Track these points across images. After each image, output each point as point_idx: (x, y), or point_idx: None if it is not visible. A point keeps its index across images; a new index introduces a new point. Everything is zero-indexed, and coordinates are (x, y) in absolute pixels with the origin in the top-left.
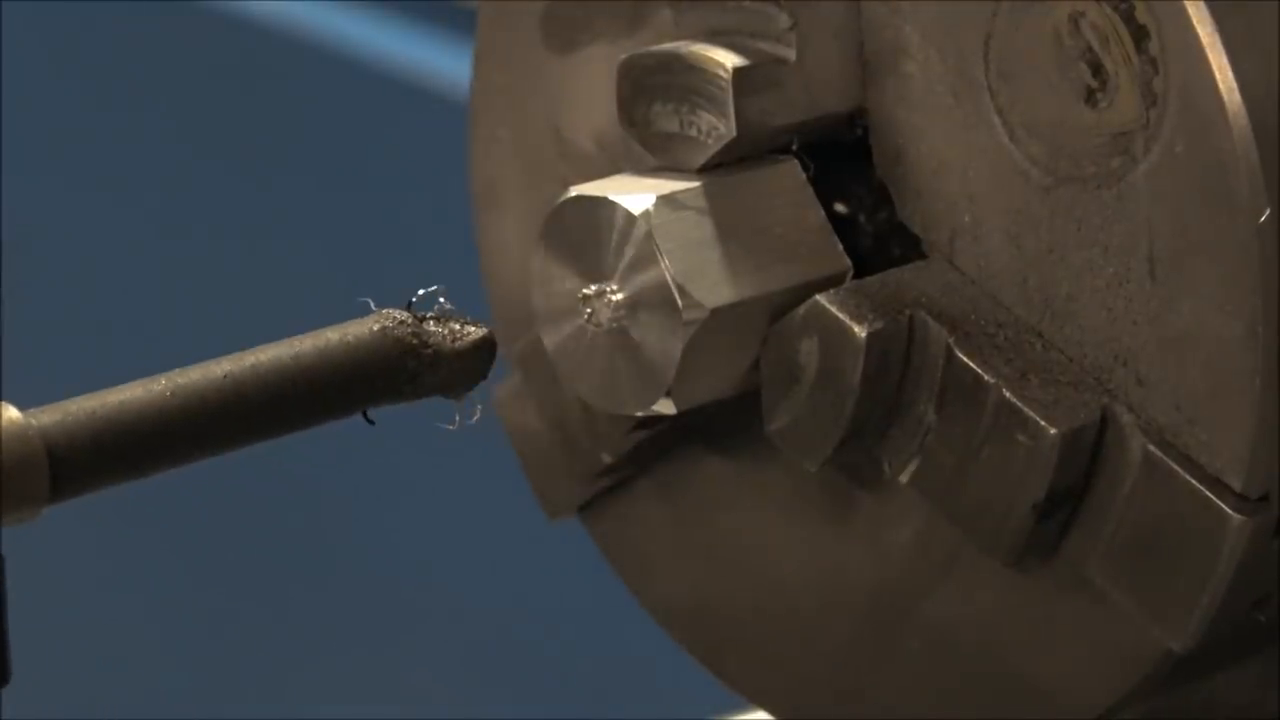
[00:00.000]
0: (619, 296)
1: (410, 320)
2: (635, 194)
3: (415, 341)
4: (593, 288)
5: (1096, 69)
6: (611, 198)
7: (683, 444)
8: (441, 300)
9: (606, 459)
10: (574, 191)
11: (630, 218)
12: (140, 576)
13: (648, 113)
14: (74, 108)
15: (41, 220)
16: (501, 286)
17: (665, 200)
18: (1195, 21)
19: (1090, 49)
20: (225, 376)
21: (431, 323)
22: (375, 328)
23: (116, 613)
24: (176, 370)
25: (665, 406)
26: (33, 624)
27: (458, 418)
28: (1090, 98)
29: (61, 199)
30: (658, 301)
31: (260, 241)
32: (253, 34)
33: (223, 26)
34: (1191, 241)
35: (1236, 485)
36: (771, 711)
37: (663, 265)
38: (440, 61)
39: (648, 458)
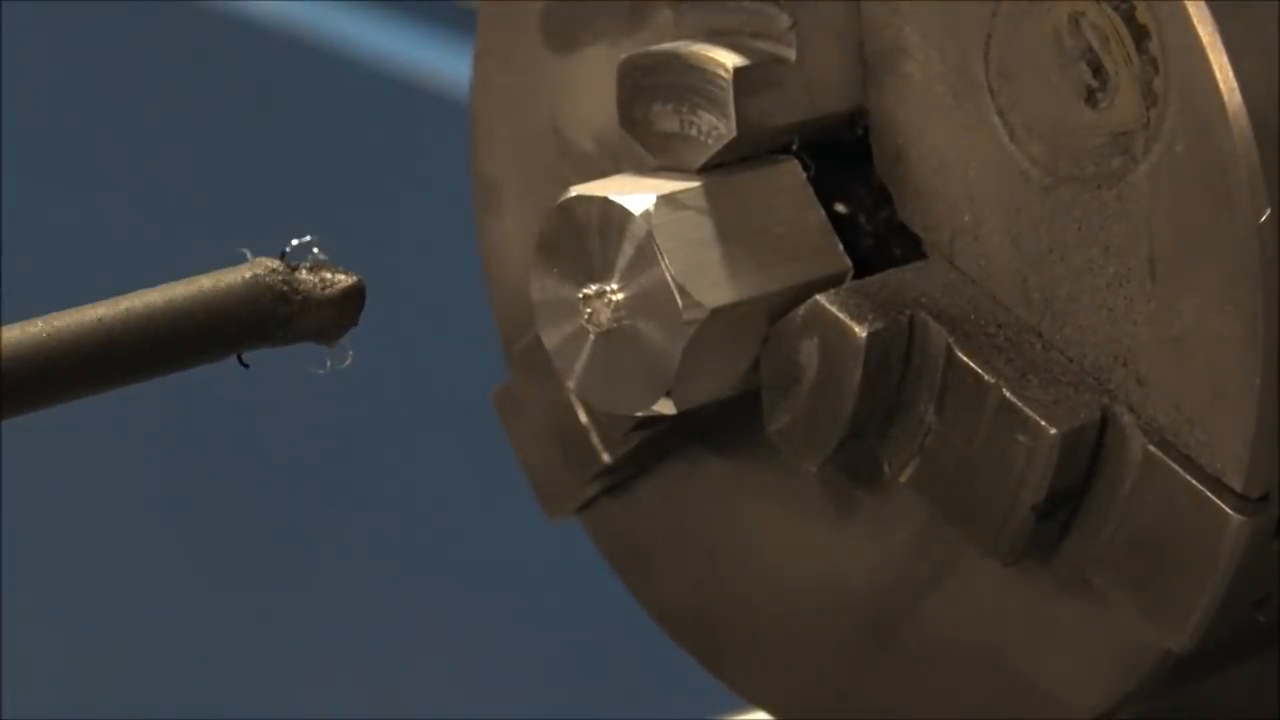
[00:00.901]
0: (619, 296)
1: (282, 269)
2: (636, 194)
3: (286, 289)
4: (593, 288)
5: (1097, 69)
6: (612, 197)
7: (683, 444)
8: (315, 250)
9: (606, 459)
10: (574, 191)
11: (631, 218)
12: (140, 576)
13: (648, 113)
14: (74, 107)
15: (41, 220)
16: (502, 286)
17: (665, 200)
18: (1196, 21)
19: (1090, 49)
20: (99, 320)
21: (304, 271)
22: (248, 275)
23: (115, 612)
24: (53, 314)
25: (665, 406)
26: (32, 622)
27: (329, 363)
28: (1090, 98)
29: (62, 199)
30: (658, 301)
31: (260, 241)
32: (253, 34)
33: (223, 26)
34: (1192, 241)
35: (1236, 485)
36: (771, 712)
37: (663, 265)
38: (440, 61)
39: (648, 458)
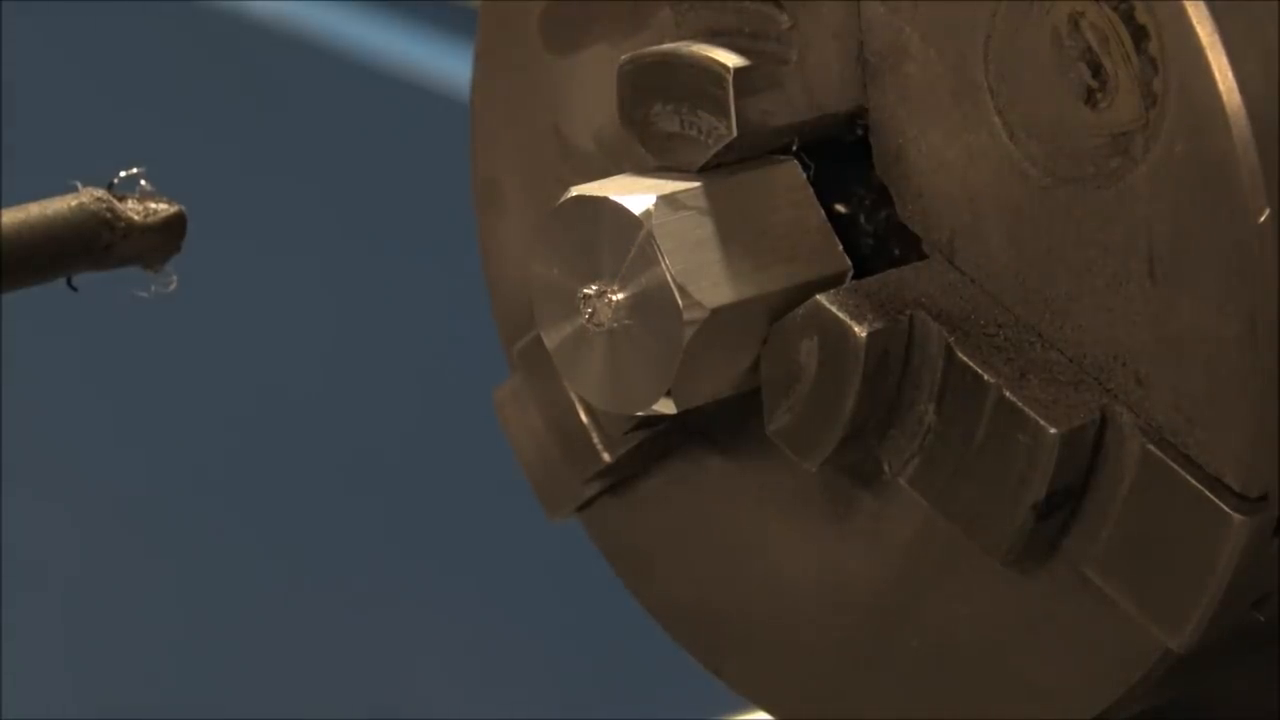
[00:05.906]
0: (619, 296)
1: (106, 197)
2: (636, 194)
3: (109, 215)
4: (593, 288)
5: (1096, 69)
6: (612, 198)
7: (683, 444)
8: (143, 183)
9: (606, 459)
10: (574, 191)
11: (631, 218)
12: (139, 575)
13: (648, 113)
14: (74, 106)
15: None
16: (502, 286)
17: (666, 200)
18: (1195, 21)
19: (1090, 49)
20: None
21: (129, 201)
22: (74, 203)
23: (115, 611)
24: None
25: (665, 406)
26: (34, 623)
27: (153, 287)
28: (1090, 98)
29: None
30: (658, 301)
31: (260, 241)
32: (253, 34)
33: (223, 26)
34: (1191, 241)
35: (1236, 485)
36: (771, 712)
37: (663, 265)
38: (440, 61)
39: (648, 458)
